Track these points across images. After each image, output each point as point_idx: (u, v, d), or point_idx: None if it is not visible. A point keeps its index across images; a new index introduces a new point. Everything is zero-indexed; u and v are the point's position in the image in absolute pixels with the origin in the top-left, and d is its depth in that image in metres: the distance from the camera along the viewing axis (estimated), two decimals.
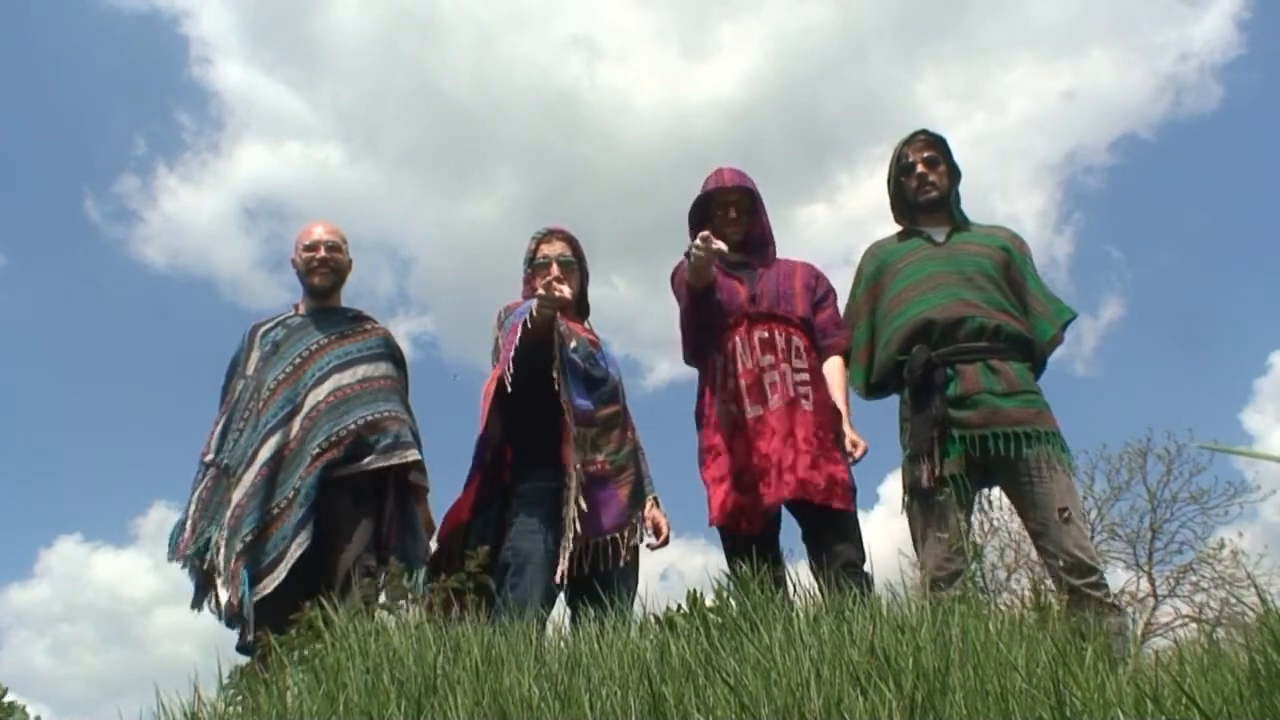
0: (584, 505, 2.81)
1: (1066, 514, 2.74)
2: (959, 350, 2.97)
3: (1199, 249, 26.45)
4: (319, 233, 3.51)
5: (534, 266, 3.23)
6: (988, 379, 2.92)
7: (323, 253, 3.47)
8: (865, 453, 3.07)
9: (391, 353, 3.54)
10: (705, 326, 3.18)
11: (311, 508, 3.15)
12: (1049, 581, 2.82)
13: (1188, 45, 29.19)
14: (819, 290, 3.28)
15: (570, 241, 3.28)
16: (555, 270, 3.16)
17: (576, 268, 3.26)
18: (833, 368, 3.19)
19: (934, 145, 3.25)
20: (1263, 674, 1.48)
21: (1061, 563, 2.73)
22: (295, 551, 3.10)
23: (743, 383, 3.04)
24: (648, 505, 3.11)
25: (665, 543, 3.10)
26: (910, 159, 3.25)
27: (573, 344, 3.02)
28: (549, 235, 3.27)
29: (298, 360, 3.37)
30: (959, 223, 3.23)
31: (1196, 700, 1.43)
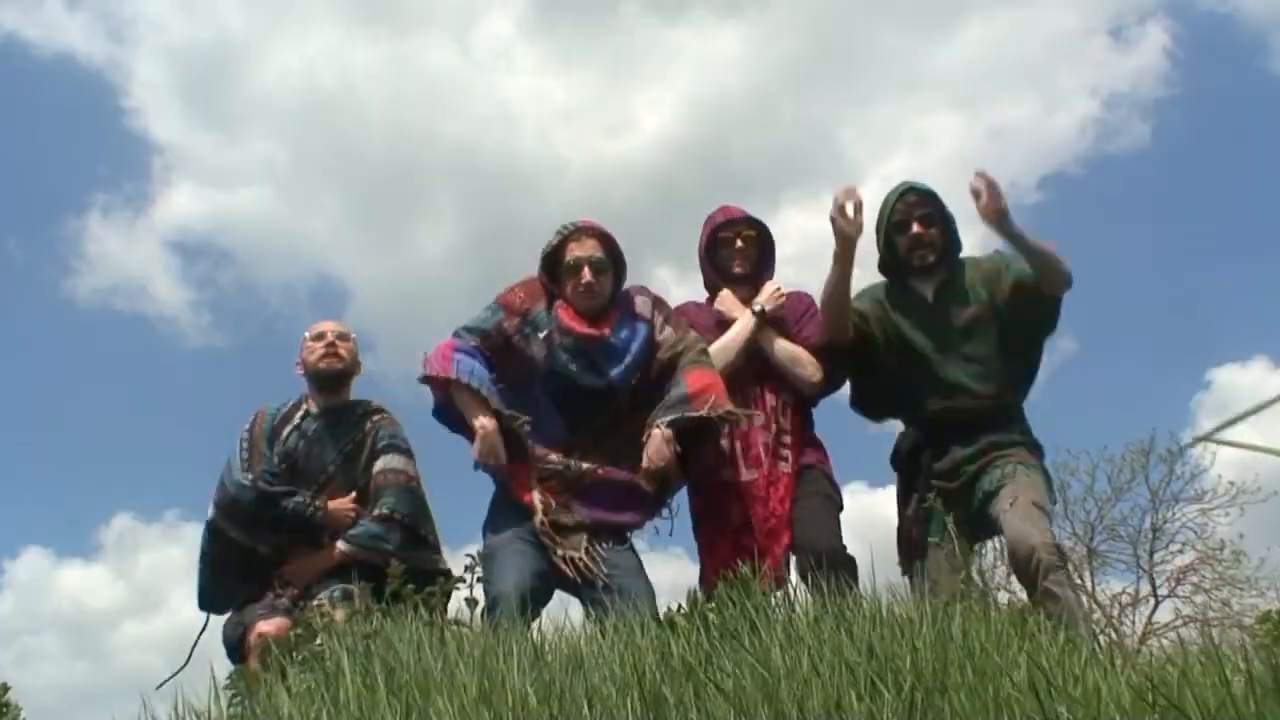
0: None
1: (1014, 502, 2.71)
2: (945, 431, 2.95)
3: (1137, 276, 26.06)
4: (326, 325, 3.39)
5: (564, 269, 2.85)
6: (966, 450, 2.90)
7: (330, 337, 3.32)
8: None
9: (396, 445, 3.32)
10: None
11: None
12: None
13: (1116, 82, 28.27)
14: (805, 315, 3.14)
15: (604, 239, 2.89)
16: (587, 275, 2.83)
17: (611, 270, 2.89)
18: (798, 350, 3.03)
19: (927, 201, 3.03)
20: (1263, 674, 1.47)
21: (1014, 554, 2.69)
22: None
23: (737, 445, 2.96)
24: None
25: (663, 462, 2.76)
26: (900, 217, 3.01)
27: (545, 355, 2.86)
28: (578, 233, 2.86)
29: (315, 488, 3.22)
30: (952, 273, 3.04)
31: (1197, 700, 1.43)
